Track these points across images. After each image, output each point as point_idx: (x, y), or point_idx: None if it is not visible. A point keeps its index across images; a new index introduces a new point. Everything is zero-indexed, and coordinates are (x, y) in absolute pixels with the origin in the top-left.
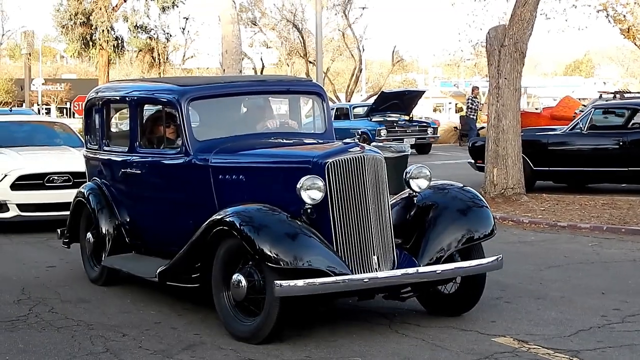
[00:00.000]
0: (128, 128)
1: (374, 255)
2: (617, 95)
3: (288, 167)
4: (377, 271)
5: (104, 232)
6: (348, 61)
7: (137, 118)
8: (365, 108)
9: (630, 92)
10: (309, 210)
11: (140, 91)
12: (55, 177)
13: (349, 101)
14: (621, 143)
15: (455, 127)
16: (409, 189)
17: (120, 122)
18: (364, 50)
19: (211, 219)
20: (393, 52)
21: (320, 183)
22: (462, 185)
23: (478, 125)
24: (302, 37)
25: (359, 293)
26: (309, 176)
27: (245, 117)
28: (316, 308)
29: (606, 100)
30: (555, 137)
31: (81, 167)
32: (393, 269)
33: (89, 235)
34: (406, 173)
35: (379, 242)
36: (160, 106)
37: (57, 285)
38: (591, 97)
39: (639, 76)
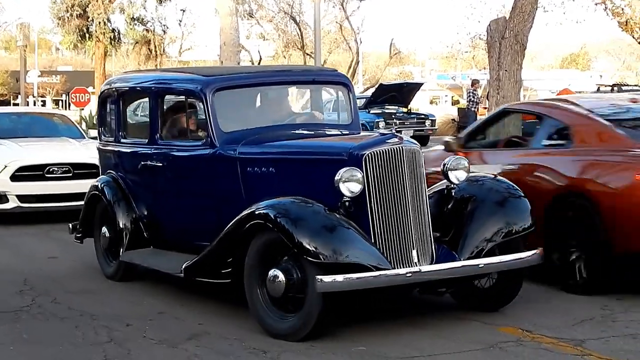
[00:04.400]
0: (147, 119)
1: (414, 249)
2: (615, 88)
3: (323, 158)
4: (417, 266)
5: (121, 226)
6: (345, 53)
7: (157, 109)
8: (364, 100)
9: (627, 85)
10: (346, 204)
11: (162, 82)
12: (55, 168)
13: None
14: None
15: (453, 119)
16: (446, 181)
17: (137, 113)
18: (361, 42)
19: (245, 212)
20: (390, 44)
21: (359, 175)
22: (494, 175)
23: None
24: (300, 29)
25: (399, 288)
26: (347, 168)
27: (271, 108)
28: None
29: (604, 94)
30: None
31: (81, 158)
32: (432, 263)
33: (104, 229)
34: (444, 165)
35: (417, 236)
36: (184, 97)
37: (59, 276)
38: (588, 90)
39: (635, 69)
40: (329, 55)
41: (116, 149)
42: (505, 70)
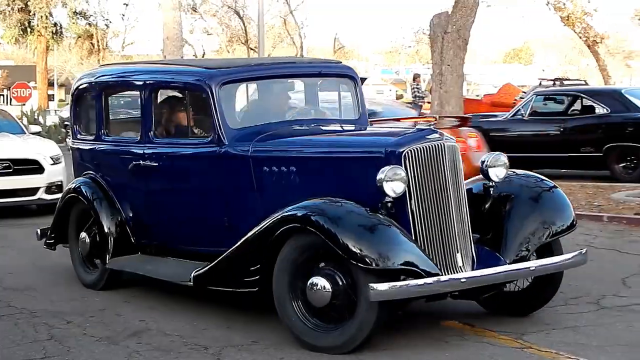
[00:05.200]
0: (135, 116)
1: (458, 252)
2: (557, 83)
3: (358, 156)
4: (461, 270)
5: (106, 231)
6: (289, 48)
7: (151, 105)
8: None
9: (569, 79)
10: (388, 204)
11: (157, 75)
12: None
13: None
14: (562, 129)
15: None
16: (485, 179)
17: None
18: (305, 37)
19: (276, 215)
20: (334, 39)
21: (402, 174)
22: (526, 172)
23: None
24: (244, 24)
25: (447, 294)
26: (391, 166)
27: (278, 103)
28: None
29: (546, 87)
30: (497, 124)
31: (21, 153)
32: (473, 266)
33: (83, 235)
34: (482, 162)
35: (460, 238)
36: (184, 91)
37: None
38: (531, 84)
39: (577, 64)
40: (273, 49)
41: (98, 148)
42: (448, 65)
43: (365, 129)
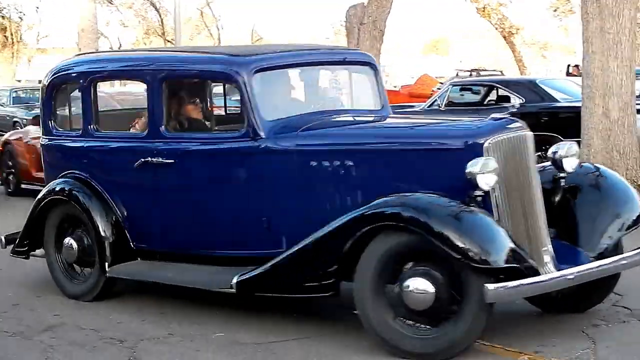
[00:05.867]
0: (120, 109)
1: (543, 247)
2: (473, 73)
3: (430, 148)
4: (546, 266)
5: (102, 235)
6: (207, 40)
7: (160, 96)
8: None
9: (485, 70)
10: (478, 199)
11: (170, 64)
12: None
13: None
14: None
15: None
16: (557, 170)
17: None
18: (222, 28)
19: (359, 212)
20: (252, 31)
21: (495, 165)
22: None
23: None
24: (160, 16)
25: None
26: (485, 157)
27: (309, 92)
28: None
29: (462, 78)
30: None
31: None
32: (554, 262)
33: (68, 241)
34: (555, 152)
35: (545, 233)
36: (205, 81)
37: None
38: (448, 75)
39: (493, 55)
40: (190, 41)
41: (87, 145)
42: None
43: (467, 118)
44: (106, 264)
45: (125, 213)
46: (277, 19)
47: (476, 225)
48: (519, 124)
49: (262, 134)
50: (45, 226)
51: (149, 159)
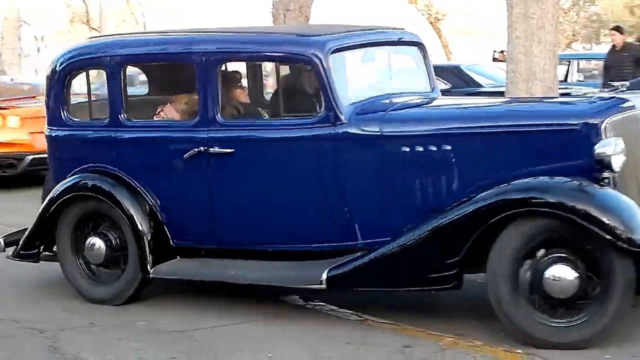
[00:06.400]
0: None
1: None
2: None
3: (547, 129)
4: None
5: (142, 232)
6: (133, 28)
7: (215, 81)
8: None
9: None
10: (606, 180)
11: (231, 45)
12: None
13: None
14: None
15: None
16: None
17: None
18: (144, 16)
19: (500, 198)
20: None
21: (623, 145)
22: None
23: None
24: (85, 3)
25: None
26: (614, 138)
27: (377, 73)
28: None
29: None
30: None
31: None
32: None
33: (94, 241)
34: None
35: None
36: (273, 63)
37: None
38: None
39: (427, 43)
40: (116, 29)
41: (117, 136)
42: None
43: (572, 97)
44: (147, 263)
45: (166, 208)
46: (204, 10)
47: (619, 205)
48: (630, 103)
49: (343, 119)
50: (57, 226)
51: (203, 148)
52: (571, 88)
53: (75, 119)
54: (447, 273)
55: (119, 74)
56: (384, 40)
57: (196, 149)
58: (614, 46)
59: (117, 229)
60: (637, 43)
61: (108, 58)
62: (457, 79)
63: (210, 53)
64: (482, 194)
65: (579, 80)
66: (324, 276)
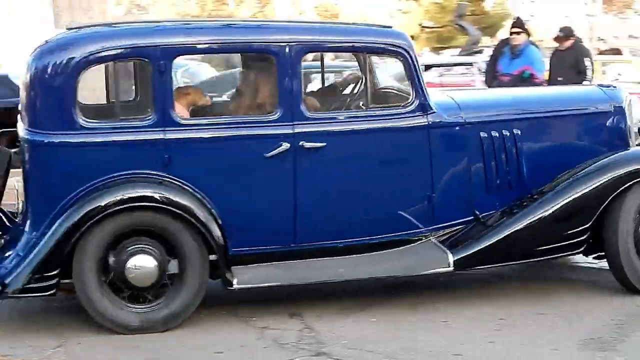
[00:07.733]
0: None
1: None
2: None
3: (588, 112)
4: None
5: (217, 242)
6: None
7: (297, 72)
8: None
9: None
10: None
11: (315, 35)
12: None
13: None
14: None
15: None
16: None
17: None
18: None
19: (615, 169)
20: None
21: None
22: None
23: None
24: None
25: None
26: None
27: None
28: None
29: None
30: None
31: None
32: None
33: (135, 262)
34: None
35: None
36: (360, 55)
37: None
38: None
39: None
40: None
41: (169, 137)
42: None
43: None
44: (228, 274)
45: (228, 212)
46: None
47: None
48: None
49: (434, 109)
50: (75, 252)
51: (290, 144)
52: None
53: (92, 120)
54: (579, 239)
55: (167, 67)
56: None
57: (282, 146)
58: None
59: (163, 244)
60: None
61: (152, 49)
62: None
63: (292, 43)
64: (598, 166)
65: None
66: (451, 259)
